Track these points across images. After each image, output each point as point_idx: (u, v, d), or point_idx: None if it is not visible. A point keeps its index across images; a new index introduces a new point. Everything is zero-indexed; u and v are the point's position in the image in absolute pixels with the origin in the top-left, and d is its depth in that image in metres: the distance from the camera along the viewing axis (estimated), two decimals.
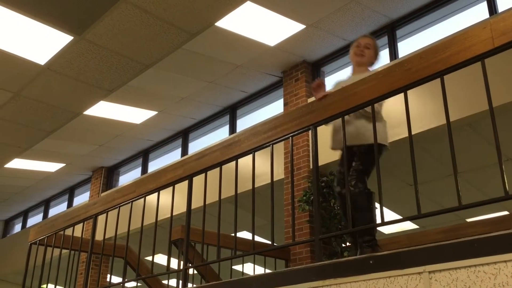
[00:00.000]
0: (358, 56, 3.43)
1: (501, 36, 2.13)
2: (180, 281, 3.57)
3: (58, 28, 5.97)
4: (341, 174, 3.17)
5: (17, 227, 14.12)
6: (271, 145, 3.17)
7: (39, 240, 5.17)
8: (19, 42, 6.28)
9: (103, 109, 8.15)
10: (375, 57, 3.48)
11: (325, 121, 2.89)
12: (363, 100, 2.65)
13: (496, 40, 2.14)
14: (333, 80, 5.18)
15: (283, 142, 4.51)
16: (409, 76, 2.44)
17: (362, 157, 3.09)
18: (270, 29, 6.36)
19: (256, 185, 3.41)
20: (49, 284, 4.81)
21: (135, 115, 8.42)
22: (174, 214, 3.84)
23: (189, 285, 3.56)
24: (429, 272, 1.95)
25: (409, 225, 8.29)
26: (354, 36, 6.63)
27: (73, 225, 4.79)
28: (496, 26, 2.14)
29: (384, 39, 6.57)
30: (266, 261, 5.34)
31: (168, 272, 3.82)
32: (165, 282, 6.11)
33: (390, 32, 6.49)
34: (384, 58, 6.57)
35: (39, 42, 6.26)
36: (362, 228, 2.90)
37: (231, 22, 6.11)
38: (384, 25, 6.47)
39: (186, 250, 3.59)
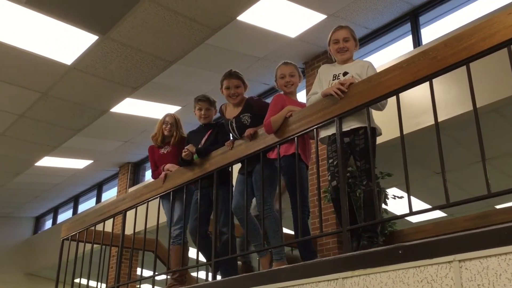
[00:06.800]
0: (342, 54, 3.33)
1: None
2: (210, 274, 3.62)
3: (83, 28, 6.07)
4: (334, 167, 3.07)
5: (48, 224, 14.43)
6: (295, 137, 3.19)
7: (71, 235, 5.30)
8: (46, 43, 6.41)
9: (129, 106, 8.27)
10: (356, 44, 3.40)
11: (349, 112, 2.89)
12: (388, 90, 2.63)
13: None
14: None
15: None
16: (434, 64, 2.43)
17: (364, 155, 3.02)
18: (291, 20, 6.35)
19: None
20: (81, 279, 4.93)
21: (160, 110, 8.50)
22: None
23: (218, 277, 3.61)
24: (459, 261, 1.94)
25: (436, 214, 8.21)
26: (377, 24, 6.59)
27: (104, 220, 4.89)
28: None
29: (407, 26, 6.50)
30: (293, 252, 5.36)
31: (197, 265, 3.88)
32: (194, 274, 6.20)
33: (413, 19, 6.41)
34: (407, 46, 6.50)
35: (65, 42, 6.38)
36: (390, 219, 2.91)
37: (252, 15, 6.12)
38: (406, 12, 6.39)
39: (215, 243, 3.63)
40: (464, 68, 2.35)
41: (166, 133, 4.65)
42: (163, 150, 4.63)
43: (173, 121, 4.70)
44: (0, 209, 13.49)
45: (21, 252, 14.17)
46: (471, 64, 2.34)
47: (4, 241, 14.06)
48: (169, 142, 4.65)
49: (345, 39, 3.29)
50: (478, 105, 2.32)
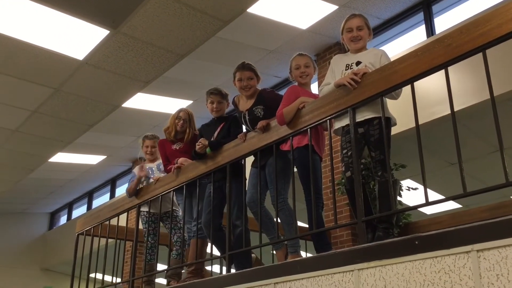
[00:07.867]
0: (356, 42, 3.28)
1: None
2: (224, 267, 3.62)
3: (95, 23, 6.08)
4: (348, 158, 3.03)
5: (63, 219, 14.57)
6: (308, 129, 3.16)
7: (85, 230, 5.34)
8: (58, 38, 6.43)
9: (141, 101, 8.29)
10: (370, 33, 3.34)
11: (363, 103, 2.86)
12: (403, 79, 2.59)
13: None
14: None
15: None
16: (449, 51, 2.38)
17: (379, 146, 2.97)
18: (302, 12, 6.30)
19: (295, 169, 3.42)
20: (97, 273, 4.96)
21: (171, 105, 8.52)
22: None
23: (232, 270, 3.61)
24: (477, 250, 1.92)
25: (451, 205, 8.14)
26: (389, 14, 6.52)
27: (118, 215, 4.92)
28: None
29: (420, 16, 6.42)
30: (307, 244, 5.34)
31: (211, 258, 3.88)
32: (208, 268, 6.21)
33: (426, 8, 6.33)
34: (420, 35, 6.42)
35: (77, 37, 6.39)
36: (406, 209, 2.88)
37: (263, 7, 6.08)
38: (419, 1, 6.31)
39: (229, 237, 3.63)
40: (479, 56, 2.30)
41: (178, 128, 4.64)
42: (175, 146, 4.63)
43: (187, 117, 4.68)
44: (16, 205, 13.65)
45: (36, 247, 14.34)
46: (487, 51, 2.29)
47: (20, 237, 14.24)
48: (181, 138, 4.65)
49: (359, 27, 3.25)
50: (494, 94, 2.28)
